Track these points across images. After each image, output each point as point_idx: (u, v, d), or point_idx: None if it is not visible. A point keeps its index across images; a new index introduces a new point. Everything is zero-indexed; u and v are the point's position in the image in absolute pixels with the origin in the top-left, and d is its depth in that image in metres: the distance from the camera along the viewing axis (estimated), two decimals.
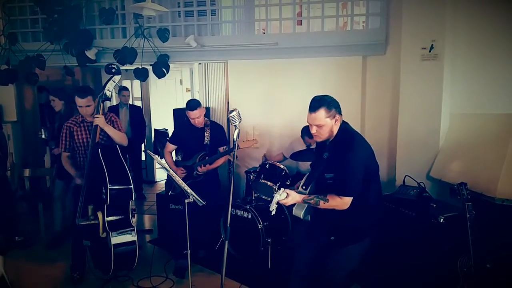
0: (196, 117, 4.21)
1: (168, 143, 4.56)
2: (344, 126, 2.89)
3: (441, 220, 3.29)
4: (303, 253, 3.13)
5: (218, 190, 4.58)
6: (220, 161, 4.35)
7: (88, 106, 3.91)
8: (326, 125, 2.78)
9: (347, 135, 2.86)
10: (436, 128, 4.08)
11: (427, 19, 4.01)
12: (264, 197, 4.40)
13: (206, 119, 4.39)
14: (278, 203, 2.73)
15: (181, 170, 4.37)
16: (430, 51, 3.99)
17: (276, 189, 2.72)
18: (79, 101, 3.88)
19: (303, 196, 2.81)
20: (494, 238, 3.21)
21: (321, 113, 2.75)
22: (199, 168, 4.26)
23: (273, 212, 2.71)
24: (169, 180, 4.66)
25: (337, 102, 2.85)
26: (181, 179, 4.28)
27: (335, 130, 2.84)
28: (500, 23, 3.88)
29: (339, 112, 2.83)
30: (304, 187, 2.93)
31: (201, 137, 4.35)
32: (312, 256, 3.09)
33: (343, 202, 2.77)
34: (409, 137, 4.23)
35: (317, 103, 2.78)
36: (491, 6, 3.93)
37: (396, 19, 4.36)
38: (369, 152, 2.90)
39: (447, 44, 3.97)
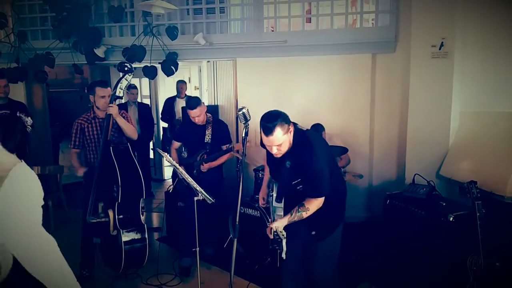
0: (197, 116, 4.16)
1: (173, 140, 4.57)
2: (295, 130, 2.81)
3: (451, 219, 3.28)
4: (291, 251, 3.14)
5: (221, 187, 4.57)
6: (223, 158, 4.32)
7: (110, 96, 3.96)
8: (285, 141, 2.71)
9: (302, 139, 2.81)
10: (446, 126, 4.06)
11: (437, 17, 3.99)
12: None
13: (209, 115, 4.33)
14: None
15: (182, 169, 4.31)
16: (440, 49, 3.97)
17: (281, 237, 2.70)
18: (102, 90, 3.91)
19: (287, 217, 2.78)
20: (504, 237, 3.20)
21: (278, 132, 2.64)
22: (201, 167, 4.22)
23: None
24: (174, 175, 4.64)
25: (284, 113, 2.74)
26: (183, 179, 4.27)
27: (291, 140, 2.78)
28: (510, 21, 3.85)
29: (289, 122, 2.73)
30: (278, 200, 2.94)
31: (202, 135, 4.30)
32: (299, 253, 3.11)
33: (318, 203, 2.79)
34: (418, 136, 4.21)
35: (271, 124, 2.63)
36: (501, 3, 3.90)
37: (406, 16, 4.34)
38: (325, 146, 2.93)
39: (457, 42, 3.94)
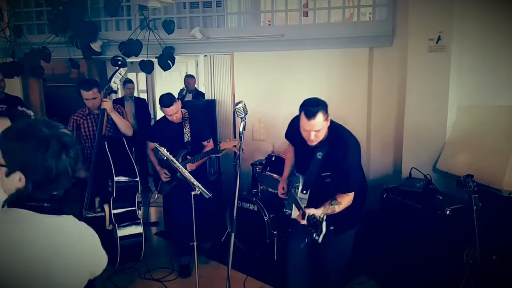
0: (174, 113, 3.99)
1: (147, 141, 4.33)
2: (330, 122, 2.89)
3: (448, 212, 3.28)
4: (299, 245, 3.16)
5: (207, 180, 4.49)
6: (203, 159, 4.20)
7: (94, 98, 3.90)
8: (323, 128, 2.79)
9: (337, 131, 2.91)
10: (443, 120, 4.05)
11: (434, 10, 3.97)
12: (270, 189, 4.40)
13: (184, 111, 4.17)
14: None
15: (165, 172, 4.21)
16: (437, 43, 3.96)
17: (320, 220, 2.67)
18: (85, 94, 3.88)
19: (321, 209, 2.79)
20: (500, 230, 3.20)
21: (320, 117, 2.73)
22: (188, 167, 4.00)
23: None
24: (156, 180, 4.52)
25: (326, 102, 2.82)
26: (167, 181, 4.21)
27: (327, 129, 2.86)
28: (509, 14, 3.84)
29: (327, 112, 2.82)
30: (304, 192, 2.95)
31: (180, 134, 4.13)
32: (309, 248, 3.13)
33: (350, 199, 2.85)
34: (415, 129, 4.21)
35: (315, 108, 2.73)
36: None
37: (403, 10, 4.32)
38: (357, 142, 2.98)
39: (454, 36, 3.92)
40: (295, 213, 2.95)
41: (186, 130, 4.15)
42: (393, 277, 3.76)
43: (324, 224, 2.56)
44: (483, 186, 3.30)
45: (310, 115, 2.72)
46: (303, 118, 2.77)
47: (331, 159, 2.85)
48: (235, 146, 3.98)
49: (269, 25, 5.33)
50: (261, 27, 5.08)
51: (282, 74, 4.97)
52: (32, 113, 2.25)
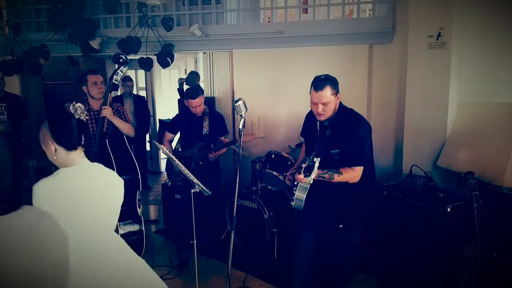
0: (198, 106, 4.14)
1: (166, 131, 4.48)
2: (341, 103, 3.06)
3: (448, 210, 3.27)
4: (306, 242, 3.20)
5: (218, 179, 4.54)
6: (224, 149, 4.32)
7: (103, 82, 3.94)
8: (331, 102, 2.90)
9: (347, 111, 3.06)
10: (443, 117, 4.05)
11: (435, 7, 3.96)
12: (269, 187, 4.39)
13: (205, 106, 4.31)
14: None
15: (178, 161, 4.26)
16: (437, 39, 3.94)
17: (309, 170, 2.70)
18: (94, 77, 3.92)
19: (317, 171, 2.76)
20: (501, 227, 3.20)
21: (327, 90, 2.86)
22: (209, 155, 4.16)
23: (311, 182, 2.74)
24: (169, 169, 4.62)
25: (337, 80, 2.98)
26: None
27: (336, 107, 2.98)
28: (509, 11, 3.82)
29: (338, 90, 2.96)
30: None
31: (199, 127, 4.26)
32: (315, 244, 3.16)
33: (355, 174, 2.90)
34: (416, 126, 4.20)
35: (322, 81, 2.88)
36: None
37: (403, 6, 4.31)
38: (371, 127, 3.09)
39: (454, 32, 3.91)
40: (299, 192, 2.98)
41: (205, 124, 4.28)
42: (393, 274, 3.75)
43: (316, 164, 2.65)
44: (483, 183, 3.30)
45: (318, 87, 2.87)
46: (312, 92, 2.93)
47: (340, 136, 2.94)
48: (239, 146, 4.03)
49: (269, 22, 5.30)
50: (261, 24, 5.07)
51: (282, 71, 4.95)
52: (80, 107, 2.15)
